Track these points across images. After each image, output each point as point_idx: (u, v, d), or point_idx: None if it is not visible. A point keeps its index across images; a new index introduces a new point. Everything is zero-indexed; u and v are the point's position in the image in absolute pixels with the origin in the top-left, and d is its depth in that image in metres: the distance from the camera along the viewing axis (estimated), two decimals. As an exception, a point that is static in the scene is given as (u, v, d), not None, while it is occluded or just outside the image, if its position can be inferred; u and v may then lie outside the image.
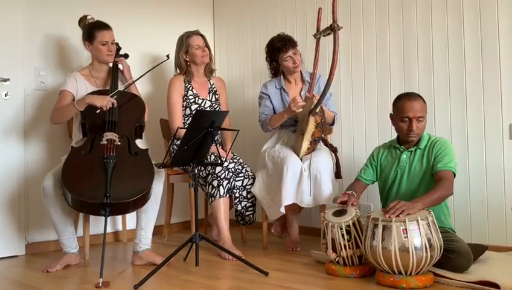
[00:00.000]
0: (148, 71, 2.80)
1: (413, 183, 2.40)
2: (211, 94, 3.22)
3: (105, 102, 2.54)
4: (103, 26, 2.80)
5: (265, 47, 3.09)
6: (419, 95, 2.42)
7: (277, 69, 3.08)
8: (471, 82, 2.75)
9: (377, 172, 2.55)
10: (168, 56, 2.73)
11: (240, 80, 3.98)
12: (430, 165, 2.35)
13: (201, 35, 3.17)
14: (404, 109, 2.35)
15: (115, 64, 2.87)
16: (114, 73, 2.83)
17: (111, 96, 2.59)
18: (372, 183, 2.60)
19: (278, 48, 2.98)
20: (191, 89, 3.16)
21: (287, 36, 3.02)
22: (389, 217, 2.01)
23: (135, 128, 2.71)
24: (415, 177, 2.39)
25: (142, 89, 3.11)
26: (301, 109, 2.76)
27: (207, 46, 3.18)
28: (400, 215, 2.01)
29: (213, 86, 3.26)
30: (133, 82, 2.80)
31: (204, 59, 3.15)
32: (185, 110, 3.15)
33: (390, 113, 2.49)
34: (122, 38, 2.99)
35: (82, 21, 2.90)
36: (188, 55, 3.14)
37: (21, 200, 2.94)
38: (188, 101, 3.13)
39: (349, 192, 2.43)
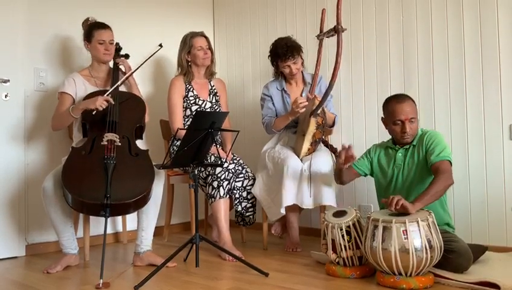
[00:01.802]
0: (142, 63, 2.77)
1: (408, 178, 2.40)
2: (211, 96, 3.22)
3: (97, 102, 2.53)
4: (101, 25, 2.82)
5: (270, 45, 3.07)
6: (407, 96, 2.42)
7: (279, 71, 3.09)
8: (471, 82, 2.75)
9: (372, 167, 2.54)
10: (160, 45, 2.72)
11: (240, 81, 3.98)
12: (421, 157, 2.35)
13: (206, 37, 3.18)
14: (395, 112, 2.36)
15: (116, 64, 2.88)
16: (114, 73, 2.83)
17: (106, 95, 2.58)
18: (365, 176, 2.58)
19: (279, 55, 2.96)
20: (191, 90, 3.16)
21: (293, 44, 2.96)
22: (390, 202, 2.05)
23: (135, 129, 2.71)
24: (410, 172, 2.40)
25: (142, 89, 3.10)
26: (304, 109, 2.77)
27: (210, 48, 3.18)
28: (399, 202, 2.04)
29: (213, 88, 3.26)
30: (130, 75, 2.78)
31: (205, 61, 3.15)
32: (185, 111, 3.15)
33: (382, 117, 2.49)
34: (122, 39, 3.00)
35: (84, 23, 2.92)
36: (190, 55, 3.15)
37: (21, 201, 2.93)
38: (188, 102, 3.13)
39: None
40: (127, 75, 2.80)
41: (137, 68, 2.79)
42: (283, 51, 2.93)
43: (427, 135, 2.37)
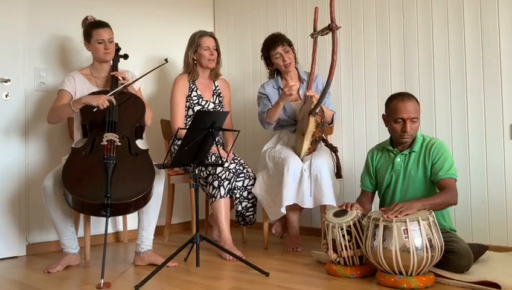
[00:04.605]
0: (144, 74, 2.76)
1: (410, 189, 2.35)
2: (214, 96, 3.22)
3: (100, 100, 2.52)
4: (99, 24, 2.79)
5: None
6: (412, 95, 2.36)
7: (273, 69, 3.10)
8: (471, 82, 2.75)
9: (375, 176, 2.52)
10: (166, 60, 2.71)
11: (241, 80, 3.98)
12: (427, 170, 2.31)
13: (214, 38, 3.17)
14: (398, 110, 2.30)
15: (115, 78, 2.76)
16: (113, 83, 2.77)
17: (109, 96, 2.58)
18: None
19: (268, 45, 3.01)
20: (195, 89, 3.15)
21: (279, 34, 3.05)
22: (387, 217, 2.02)
23: (135, 129, 2.70)
24: (411, 182, 2.35)
25: (144, 89, 3.10)
26: (295, 92, 2.77)
27: (217, 50, 3.17)
28: (398, 216, 2.01)
29: (217, 88, 3.25)
30: (131, 83, 2.76)
31: (210, 64, 3.14)
32: (187, 110, 3.15)
33: (383, 114, 2.44)
34: (123, 39, 3.00)
35: (83, 22, 2.91)
36: (196, 54, 3.14)
37: (22, 201, 2.94)
38: (191, 101, 3.13)
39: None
40: (128, 82, 2.73)
41: (139, 78, 2.76)
42: (271, 39, 3.01)
43: (434, 146, 2.31)
